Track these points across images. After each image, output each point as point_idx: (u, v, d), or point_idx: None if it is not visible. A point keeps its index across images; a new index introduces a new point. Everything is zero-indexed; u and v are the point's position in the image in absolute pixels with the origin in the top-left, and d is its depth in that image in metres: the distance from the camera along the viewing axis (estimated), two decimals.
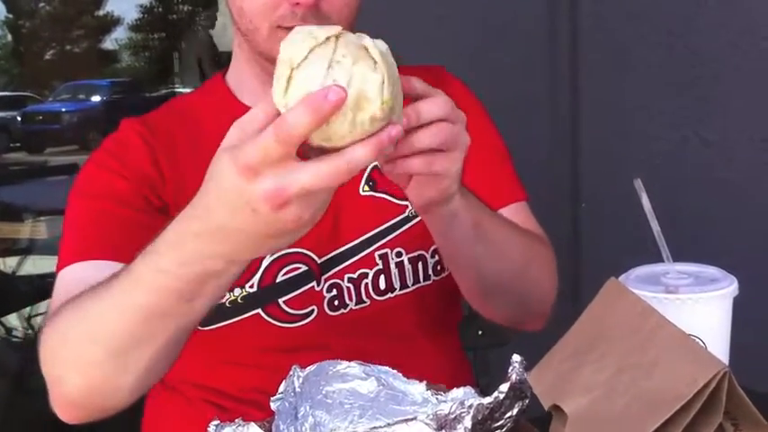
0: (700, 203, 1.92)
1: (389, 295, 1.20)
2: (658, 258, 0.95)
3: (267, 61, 1.09)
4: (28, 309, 3.98)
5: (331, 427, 0.85)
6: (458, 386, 0.88)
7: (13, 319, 4.07)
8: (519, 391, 0.79)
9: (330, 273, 1.18)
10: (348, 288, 1.18)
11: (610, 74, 2.08)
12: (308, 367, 0.90)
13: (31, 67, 27.05)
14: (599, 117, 2.10)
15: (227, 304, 1.12)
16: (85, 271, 1.04)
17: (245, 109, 0.84)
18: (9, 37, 28.35)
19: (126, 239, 1.03)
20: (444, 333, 1.28)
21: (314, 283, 1.17)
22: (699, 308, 0.85)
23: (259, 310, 1.15)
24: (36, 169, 7.39)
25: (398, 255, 1.20)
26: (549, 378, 0.75)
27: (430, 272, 1.21)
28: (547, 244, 1.24)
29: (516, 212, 1.23)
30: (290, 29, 0.96)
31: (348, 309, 1.17)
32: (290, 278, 1.16)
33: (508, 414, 0.79)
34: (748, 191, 1.91)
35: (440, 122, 0.84)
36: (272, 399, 0.87)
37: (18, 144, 18.25)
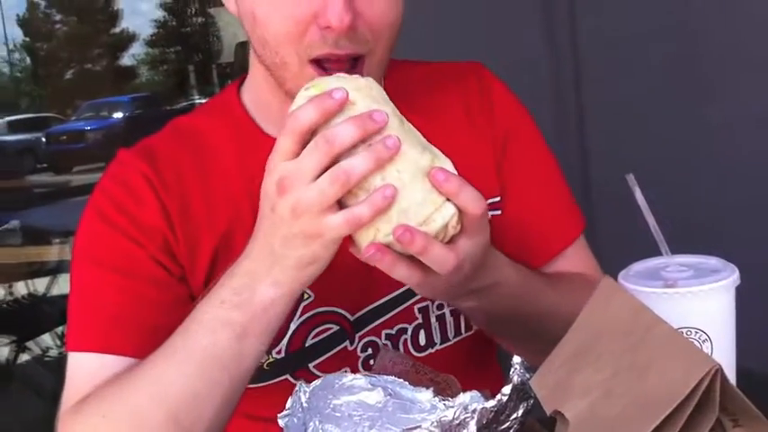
0: (703, 192, 1.91)
1: (429, 351, 1.14)
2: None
3: None
4: (60, 328, 4.05)
5: None
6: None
7: (47, 339, 4.14)
8: (522, 392, 0.79)
9: (365, 330, 1.12)
10: (385, 345, 1.12)
11: (610, 68, 2.07)
12: (314, 382, 0.90)
13: (51, 88, 27.37)
14: (603, 112, 2.09)
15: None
16: (104, 368, 0.99)
17: (269, 142, 0.88)
18: (28, 60, 28.73)
19: (148, 329, 0.99)
20: (483, 371, 1.21)
21: (347, 343, 1.11)
22: (699, 300, 0.84)
23: (287, 376, 1.10)
24: (60, 191, 7.48)
25: (440, 308, 1.14)
26: (549, 382, 0.75)
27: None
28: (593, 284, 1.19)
29: (575, 252, 1.19)
30: (319, 62, 0.97)
31: None
32: (320, 340, 1.10)
33: (513, 416, 0.80)
34: (751, 177, 1.90)
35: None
36: (279, 415, 0.88)
37: (45, 165, 18.47)
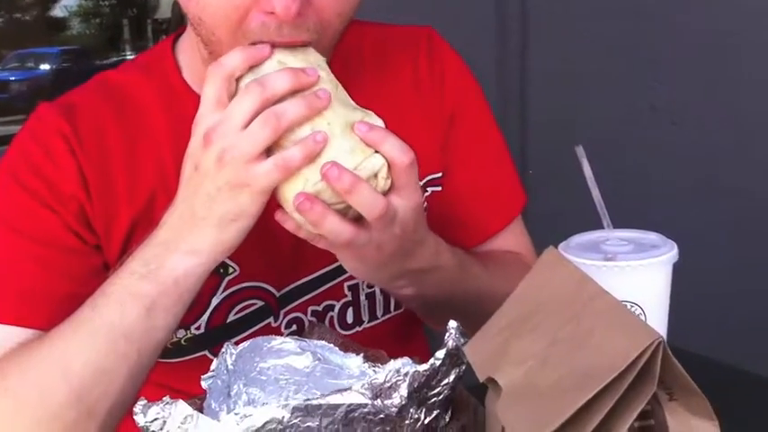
0: (644, 169, 1.93)
1: (356, 329, 1.11)
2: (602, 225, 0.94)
3: None
4: None
5: (264, 403, 0.82)
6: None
7: None
8: (456, 357, 0.77)
9: (291, 306, 1.07)
10: (311, 322, 1.07)
11: (557, 40, 2.07)
12: (242, 344, 0.87)
13: None
14: (546, 84, 2.09)
15: (169, 345, 1.00)
16: (10, 340, 0.93)
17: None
18: None
19: (59, 300, 0.94)
20: (409, 345, 1.18)
21: (271, 319, 1.07)
22: (637, 275, 0.84)
23: (206, 353, 1.05)
24: None
25: (370, 285, 1.10)
26: (484, 349, 0.73)
27: None
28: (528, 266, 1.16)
29: (511, 231, 1.17)
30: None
31: None
32: (243, 316, 1.05)
33: (445, 381, 0.77)
34: (692, 155, 1.93)
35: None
36: (203, 377, 0.84)
37: None
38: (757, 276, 1.94)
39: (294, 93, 0.82)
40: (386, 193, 0.83)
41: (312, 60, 0.87)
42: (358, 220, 0.83)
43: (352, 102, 0.86)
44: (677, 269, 0.88)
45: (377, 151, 0.82)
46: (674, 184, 1.92)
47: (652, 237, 0.91)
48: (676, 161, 1.94)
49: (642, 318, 0.85)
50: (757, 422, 0.91)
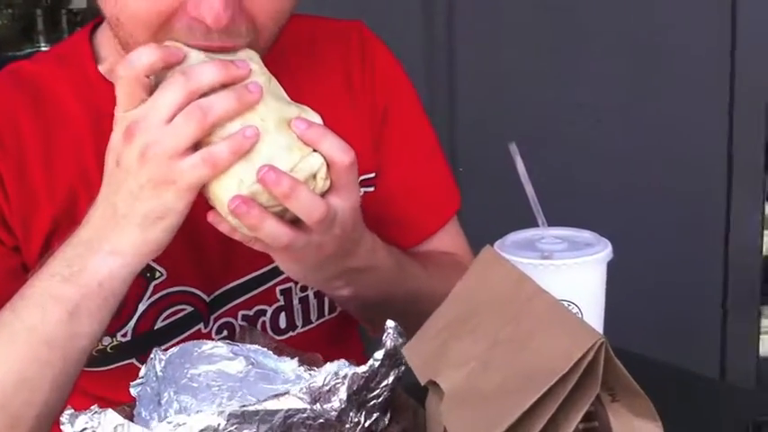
0: (575, 167, 1.95)
1: (290, 334, 1.08)
2: (536, 223, 0.94)
3: None
4: None
5: (198, 411, 0.80)
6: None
7: None
8: (394, 358, 0.76)
9: (221, 311, 1.04)
10: (242, 326, 1.03)
11: (485, 36, 2.07)
12: (171, 349, 0.84)
13: None
14: (475, 80, 2.09)
15: (94, 353, 0.95)
16: None
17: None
18: None
19: None
20: (344, 349, 1.12)
21: (201, 325, 1.03)
22: (573, 273, 0.84)
23: (133, 360, 1.01)
24: None
25: (303, 289, 1.07)
26: (424, 351, 0.72)
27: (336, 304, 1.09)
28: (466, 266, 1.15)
29: (447, 231, 1.16)
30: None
31: None
32: (171, 323, 1.02)
33: (384, 383, 0.76)
34: (621, 153, 1.96)
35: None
36: (131, 384, 0.81)
37: None
38: (686, 274, 1.98)
39: (224, 87, 0.78)
40: (324, 194, 0.80)
41: (243, 55, 0.84)
42: (296, 221, 0.80)
43: (286, 96, 0.83)
44: (609, 268, 0.88)
45: (315, 150, 0.79)
46: (602, 182, 1.95)
47: (586, 235, 0.90)
48: (605, 159, 1.96)
49: (580, 316, 0.85)
50: (698, 421, 0.92)
